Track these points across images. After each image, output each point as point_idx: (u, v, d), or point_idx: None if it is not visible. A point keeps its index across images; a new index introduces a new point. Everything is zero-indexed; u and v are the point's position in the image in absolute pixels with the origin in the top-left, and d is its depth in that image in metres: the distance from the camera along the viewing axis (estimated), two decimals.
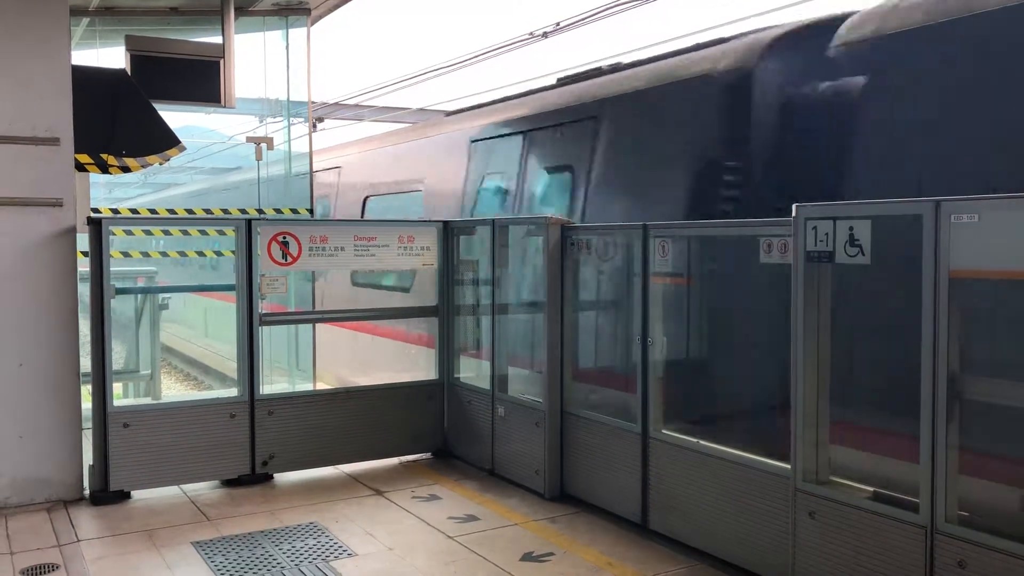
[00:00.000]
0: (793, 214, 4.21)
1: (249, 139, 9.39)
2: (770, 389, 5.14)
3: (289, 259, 6.49)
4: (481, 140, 9.00)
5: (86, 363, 6.07)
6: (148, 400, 9.48)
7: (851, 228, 3.95)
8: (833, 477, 4.30)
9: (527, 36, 13.13)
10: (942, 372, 3.63)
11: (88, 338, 5.99)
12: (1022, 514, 3.86)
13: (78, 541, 5.28)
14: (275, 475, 6.57)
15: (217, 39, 7.99)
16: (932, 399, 3.67)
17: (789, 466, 4.33)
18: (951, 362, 3.63)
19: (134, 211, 9.93)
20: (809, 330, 4.23)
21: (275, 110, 9.85)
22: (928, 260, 3.65)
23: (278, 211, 9.02)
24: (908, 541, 3.79)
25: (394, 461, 7.08)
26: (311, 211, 9.03)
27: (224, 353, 12.97)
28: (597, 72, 8.05)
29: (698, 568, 4.87)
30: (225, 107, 8.00)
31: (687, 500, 5.09)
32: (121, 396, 9.98)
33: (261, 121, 10.55)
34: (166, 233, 9.17)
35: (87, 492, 6.04)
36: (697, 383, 5.82)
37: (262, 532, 5.43)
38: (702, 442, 5.08)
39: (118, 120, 7.25)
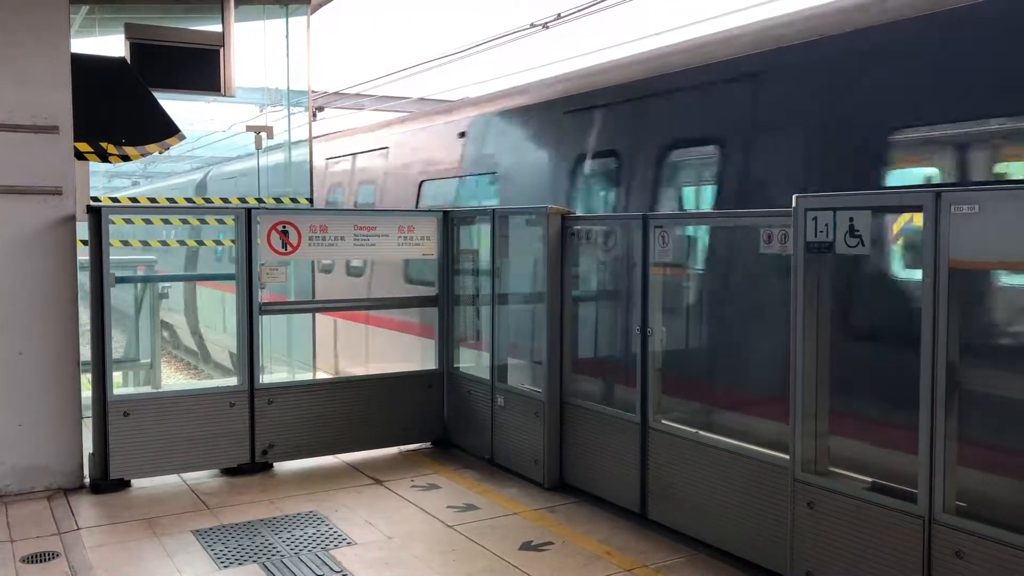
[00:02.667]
0: (793, 205, 4.20)
1: (249, 128, 9.38)
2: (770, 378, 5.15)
3: (289, 248, 6.49)
4: None
5: (86, 352, 6.08)
6: (148, 389, 9.49)
7: (851, 219, 3.94)
8: (832, 467, 4.31)
9: (528, 27, 13.11)
10: (941, 362, 3.63)
11: (88, 327, 5.99)
12: (1019, 504, 3.87)
13: (78, 529, 5.29)
14: (275, 464, 6.58)
15: (217, 27, 7.96)
16: (931, 390, 3.67)
17: (788, 456, 4.34)
18: (950, 352, 3.63)
19: (134, 199, 9.92)
20: (808, 321, 4.22)
21: (275, 99, 9.84)
22: (928, 250, 3.64)
23: (278, 200, 9.01)
24: (906, 531, 3.79)
25: (394, 450, 7.09)
26: (311, 200, 9.03)
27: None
28: None
29: (697, 557, 4.89)
30: (225, 96, 7.97)
31: (686, 490, 5.10)
32: (121, 385, 9.99)
33: (261, 110, 10.54)
34: (166, 222, 9.17)
35: (87, 480, 6.05)
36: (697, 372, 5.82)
37: (262, 521, 5.44)
38: (701, 432, 5.09)
39: (118, 109, 7.24)
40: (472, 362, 7.19)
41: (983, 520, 3.58)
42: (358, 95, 17.18)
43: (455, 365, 7.21)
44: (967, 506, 3.71)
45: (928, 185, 4.74)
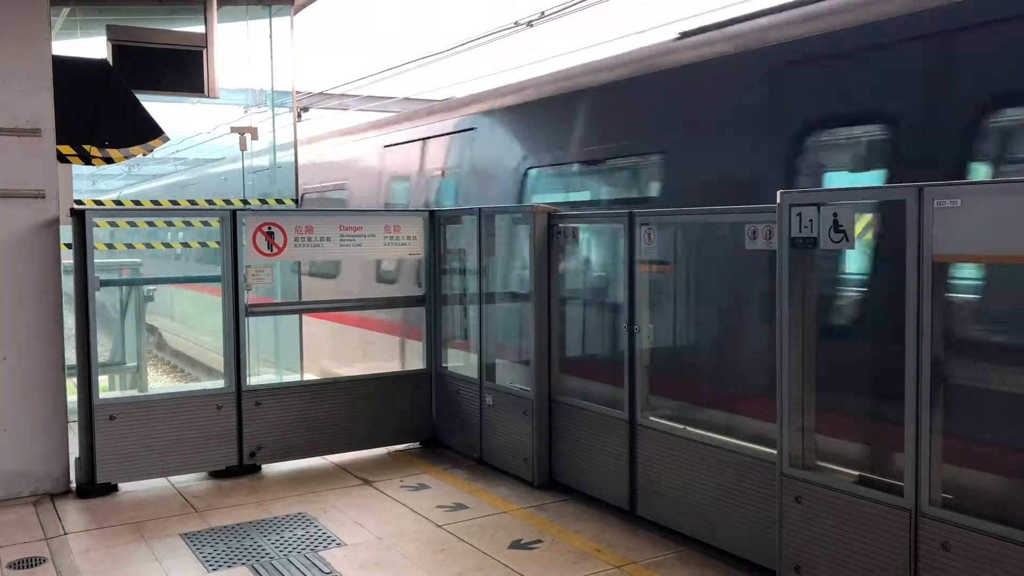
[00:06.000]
0: (778, 200, 4.22)
1: (234, 129, 9.34)
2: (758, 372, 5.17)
3: (275, 250, 6.46)
4: None
5: (71, 356, 6.04)
6: (134, 392, 9.44)
7: (835, 214, 3.96)
8: (819, 462, 4.33)
9: (512, 25, 13.10)
10: (926, 356, 3.66)
11: (73, 330, 5.95)
12: (1004, 496, 3.91)
13: (65, 534, 5.26)
14: (263, 466, 6.55)
15: (200, 28, 7.93)
16: (916, 383, 3.69)
17: (775, 451, 4.36)
18: (935, 346, 3.66)
19: (118, 202, 9.86)
20: (794, 316, 4.24)
21: (259, 100, 9.80)
22: (911, 245, 3.67)
23: (263, 201, 8.99)
24: (893, 524, 3.82)
25: (383, 451, 7.08)
26: (296, 201, 9.00)
27: None
28: None
29: (686, 553, 4.90)
30: (209, 97, 7.94)
31: (674, 486, 5.12)
32: (107, 389, 9.93)
33: (245, 111, 10.49)
34: (150, 224, 9.10)
35: (73, 485, 6.01)
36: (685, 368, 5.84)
37: (250, 523, 5.42)
38: (689, 428, 5.11)
39: (101, 111, 7.19)
40: (460, 361, 7.19)
41: (969, 512, 3.61)
42: (343, 95, 17.13)
43: (443, 365, 7.20)
44: (953, 498, 3.74)
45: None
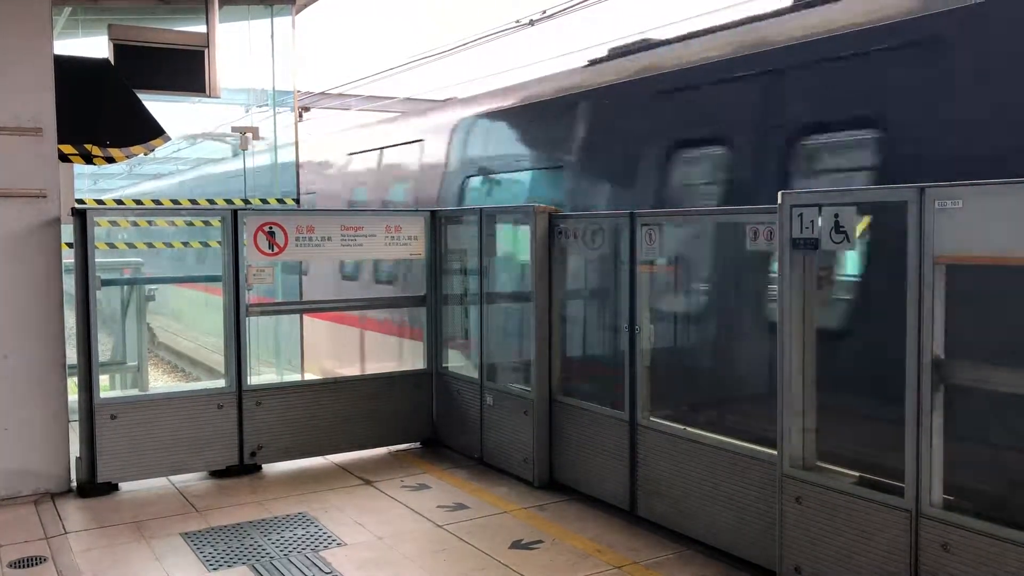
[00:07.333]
0: (779, 201, 4.22)
1: (235, 129, 9.34)
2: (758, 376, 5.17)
3: (276, 249, 6.47)
4: None
5: (72, 355, 6.04)
6: (135, 392, 9.43)
7: (836, 215, 3.96)
8: (819, 463, 4.33)
9: (514, 24, 13.11)
10: (927, 357, 3.66)
11: (74, 330, 5.96)
12: (1004, 498, 3.90)
13: (65, 533, 5.26)
14: (264, 466, 6.56)
15: (201, 28, 7.93)
16: (917, 384, 3.69)
17: (776, 452, 4.36)
18: (936, 348, 3.66)
19: (119, 201, 9.87)
20: (795, 317, 4.24)
21: (261, 100, 9.80)
22: (913, 246, 3.66)
23: (264, 201, 8.99)
24: (893, 525, 3.82)
25: (383, 451, 7.08)
26: (297, 201, 9.01)
27: None
28: None
29: (686, 554, 4.90)
30: (210, 97, 7.93)
31: (675, 487, 5.12)
32: (108, 388, 9.93)
33: (247, 111, 10.50)
34: (149, 223, 9.11)
35: (74, 484, 6.01)
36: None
37: (251, 523, 5.42)
38: (689, 429, 5.10)
39: (102, 110, 7.18)
40: (461, 361, 7.19)
41: (969, 513, 3.61)
42: (343, 95, 17.14)
43: (444, 365, 7.20)
44: (954, 499, 3.74)
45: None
